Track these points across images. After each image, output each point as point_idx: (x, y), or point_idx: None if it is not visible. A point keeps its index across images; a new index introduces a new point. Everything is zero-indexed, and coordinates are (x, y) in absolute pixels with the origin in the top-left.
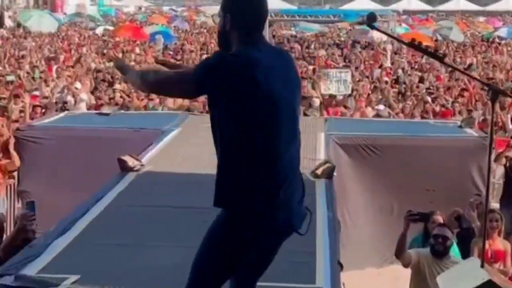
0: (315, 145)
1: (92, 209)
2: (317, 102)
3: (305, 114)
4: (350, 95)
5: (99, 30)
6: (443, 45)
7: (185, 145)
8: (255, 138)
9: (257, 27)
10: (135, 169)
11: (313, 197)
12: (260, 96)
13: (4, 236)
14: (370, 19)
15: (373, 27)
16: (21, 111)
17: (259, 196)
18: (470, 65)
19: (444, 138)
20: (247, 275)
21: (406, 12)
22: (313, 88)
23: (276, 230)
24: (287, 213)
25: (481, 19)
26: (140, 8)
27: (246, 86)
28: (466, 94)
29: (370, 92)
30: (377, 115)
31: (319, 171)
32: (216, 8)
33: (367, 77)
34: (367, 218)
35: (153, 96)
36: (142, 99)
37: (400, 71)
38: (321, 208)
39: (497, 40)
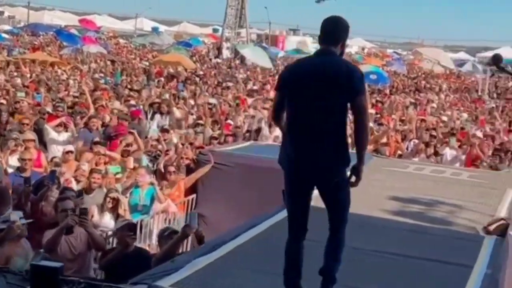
0: (499, 201)
1: (242, 235)
2: None
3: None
4: None
5: None
6: None
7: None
8: None
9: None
10: None
11: (476, 253)
12: None
13: None
14: (495, 61)
15: (503, 70)
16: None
17: None
18: None
19: None
20: None
21: None
22: None
23: None
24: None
25: None
26: (363, 49)
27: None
28: None
29: None
30: None
31: (491, 227)
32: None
33: None
34: None
35: None
36: None
37: None
38: (480, 266)
39: None
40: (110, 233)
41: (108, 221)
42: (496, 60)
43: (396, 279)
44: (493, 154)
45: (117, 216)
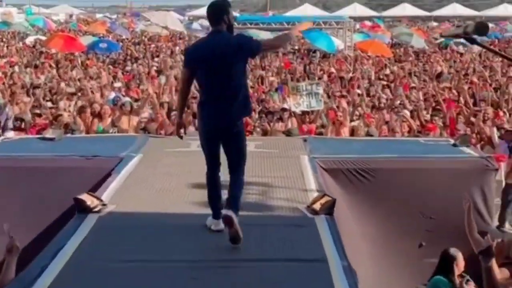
0: (301, 172)
1: (50, 266)
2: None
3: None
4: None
5: (30, 40)
6: (400, 52)
7: (151, 175)
8: None
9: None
10: (95, 210)
11: (318, 241)
12: None
13: None
14: (480, 31)
15: (473, 41)
16: None
17: None
18: (440, 74)
19: (441, 159)
20: None
21: (352, 18)
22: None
23: None
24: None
25: (434, 24)
26: (71, 16)
27: None
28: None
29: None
30: (368, 134)
31: (316, 206)
32: (154, 15)
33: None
34: (363, 251)
35: (105, 116)
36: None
37: (366, 82)
38: (332, 256)
39: (454, 47)
40: None
41: None
42: (482, 30)
43: None
44: (260, 117)
45: None
